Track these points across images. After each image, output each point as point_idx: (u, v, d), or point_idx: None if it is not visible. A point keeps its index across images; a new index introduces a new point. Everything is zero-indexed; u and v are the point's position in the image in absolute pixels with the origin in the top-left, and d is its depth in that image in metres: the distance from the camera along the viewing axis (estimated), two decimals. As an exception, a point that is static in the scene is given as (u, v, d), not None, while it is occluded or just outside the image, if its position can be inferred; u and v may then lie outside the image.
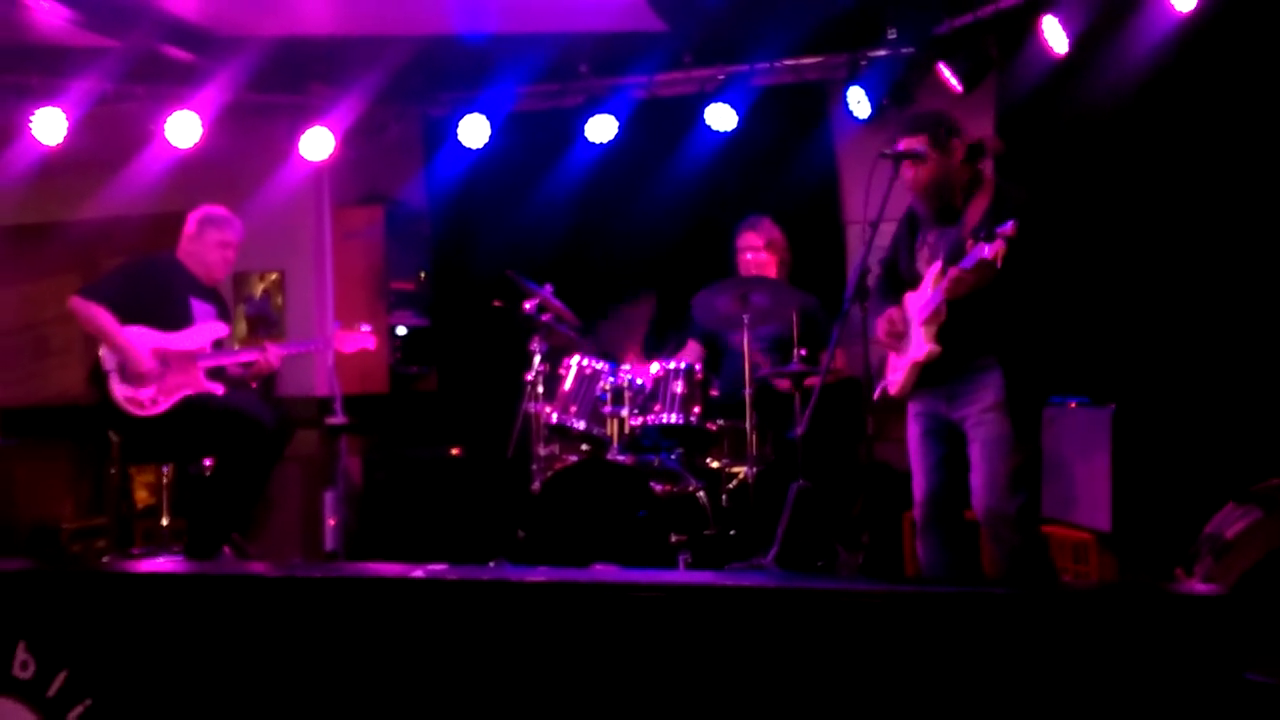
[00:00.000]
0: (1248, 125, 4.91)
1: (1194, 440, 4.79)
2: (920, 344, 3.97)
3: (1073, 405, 4.98)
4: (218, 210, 5.47)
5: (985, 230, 3.64)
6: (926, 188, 4.01)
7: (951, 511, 4.07)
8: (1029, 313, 3.91)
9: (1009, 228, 3.54)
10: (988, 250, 3.56)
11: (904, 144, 4.01)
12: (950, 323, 3.89)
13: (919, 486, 4.10)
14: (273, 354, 5.35)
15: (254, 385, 5.47)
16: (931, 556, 4.08)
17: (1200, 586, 3.18)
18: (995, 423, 3.86)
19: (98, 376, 5.10)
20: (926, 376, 4.03)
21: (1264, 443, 4.54)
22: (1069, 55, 5.29)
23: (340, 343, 5.55)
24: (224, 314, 5.51)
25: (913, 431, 4.15)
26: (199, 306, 5.33)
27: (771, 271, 5.66)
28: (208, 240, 5.37)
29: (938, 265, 3.94)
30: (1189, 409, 4.89)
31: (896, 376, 4.13)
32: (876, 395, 4.29)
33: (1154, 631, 2.30)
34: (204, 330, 5.29)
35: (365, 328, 5.63)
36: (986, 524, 3.90)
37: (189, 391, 5.13)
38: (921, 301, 3.99)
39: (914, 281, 4.11)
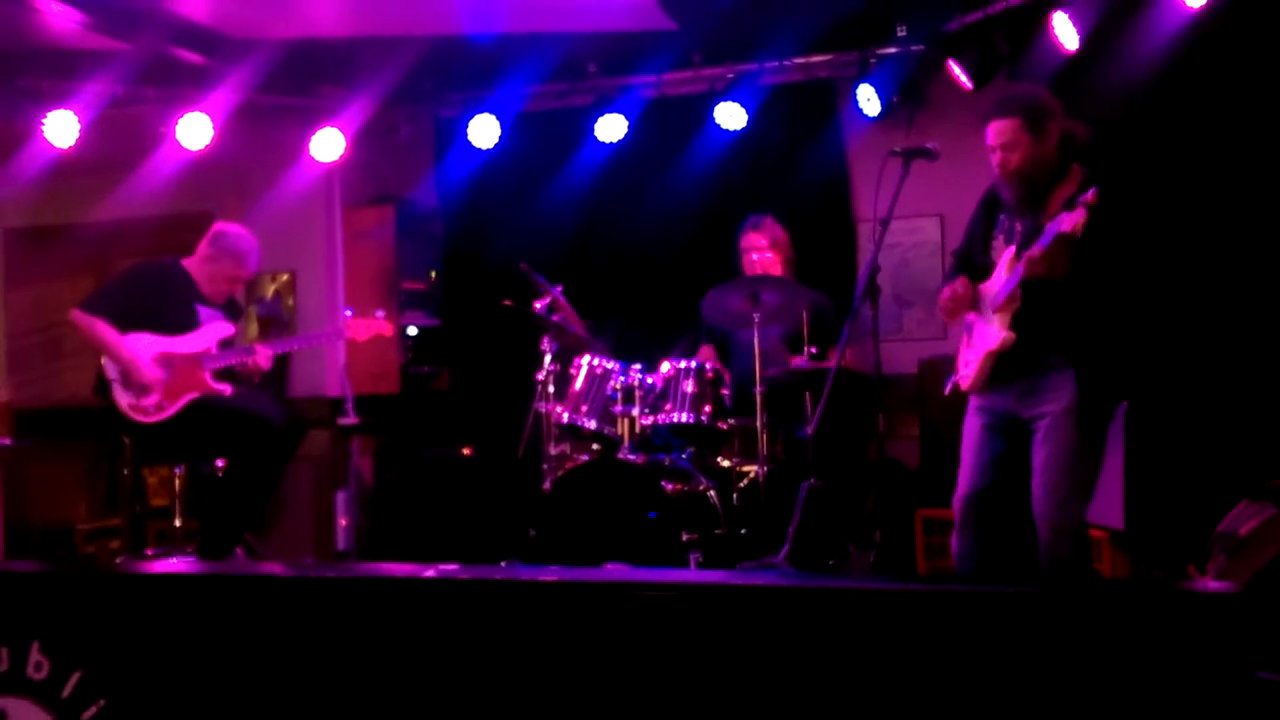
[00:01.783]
0: (1260, 122, 4.89)
1: (1207, 437, 4.77)
2: (995, 332, 3.83)
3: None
4: (240, 237, 5.43)
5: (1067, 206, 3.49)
6: (1016, 173, 3.82)
7: (995, 510, 3.96)
8: (1104, 310, 3.78)
9: (1091, 195, 3.40)
10: (1066, 221, 3.42)
11: (995, 126, 3.83)
12: (1025, 312, 3.77)
13: (966, 481, 3.97)
14: (261, 355, 5.26)
15: (255, 382, 5.42)
16: (966, 551, 3.99)
17: (1213, 584, 3.17)
18: (1067, 430, 3.74)
19: (102, 386, 5.12)
20: (999, 371, 3.89)
21: (1278, 440, 4.53)
22: (1079, 52, 5.27)
23: (354, 331, 5.48)
24: (232, 315, 5.50)
25: (972, 424, 4.01)
26: (204, 309, 5.33)
27: (777, 270, 5.66)
28: (220, 270, 5.37)
29: (1012, 251, 3.82)
30: (1202, 406, 4.87)
31: (969, 370, 3.99)
32: (948, 389, 4.14)
33: (1166, 629, 2.29)
34: (209, 331, 5.29)
35: (379, 314, 5.58)
36: (1044, 533, 3.80)
37: (195, 394, 5.13)
38: (995, 289, 3.87)
39: (987, 271, 3.97)
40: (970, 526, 3.97)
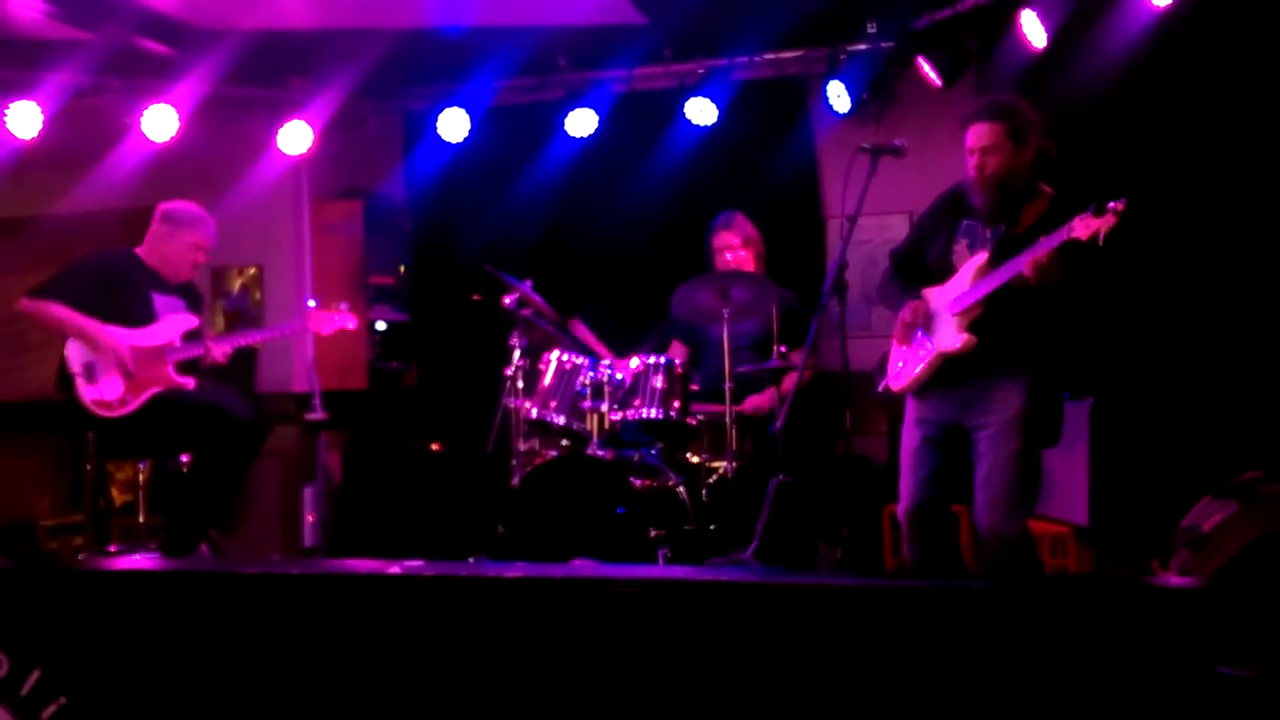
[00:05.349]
0: (1224, 119, 4.93)
1: (1171, 434, 4.81)
2: (954, 335, 3.83)
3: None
4: (191, 208, 5.32)
5: (1063, 219, 3.48)
6: (993, 178, 3.81)
7: (939, 517, 4.03)
8: (1065, 324, 3.81)
9: (1121, 204, 3.38)
10: (1082, 228, 3.41)
11: (978, 129, 3.81)
12: (986, 318, 3.78)
13: (908, 494, 4.02)
14: (215, 350, 5.16)
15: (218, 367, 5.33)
16: (918, 560, 4.04)
17: (1176, 580, 3.20)
18: (1012, 440, 3.77)
19: (65, 381, 4.98)
20: (942, 376, 3.91)
21: (1241, 436, 4.57)
22: (1047, 49, 5.30)
23: (317, 323, 5.40)
24: (194, 305, 5.38)
25: (912, 436, 4.03)
26: (161, 301, 5.20)
27: (750, 268, 5.66)
28: (181, 241, 5.25)
29: (981, 258, 3.82)
30: (1167, 403, 4.92)
31: (910, 368, 4.00)
32: (880, 389, 4.22)
33: (1129, 624, 2.31)
34: (170, 324, 5.17)
35: (343, 306, 5.52)
36: (986, 540, 3.84)
37: (159, 389, 5.05)
38: (957, 293, 3.87)
39: (942, 273, 3.97)
40: (918, 537, 4.03)
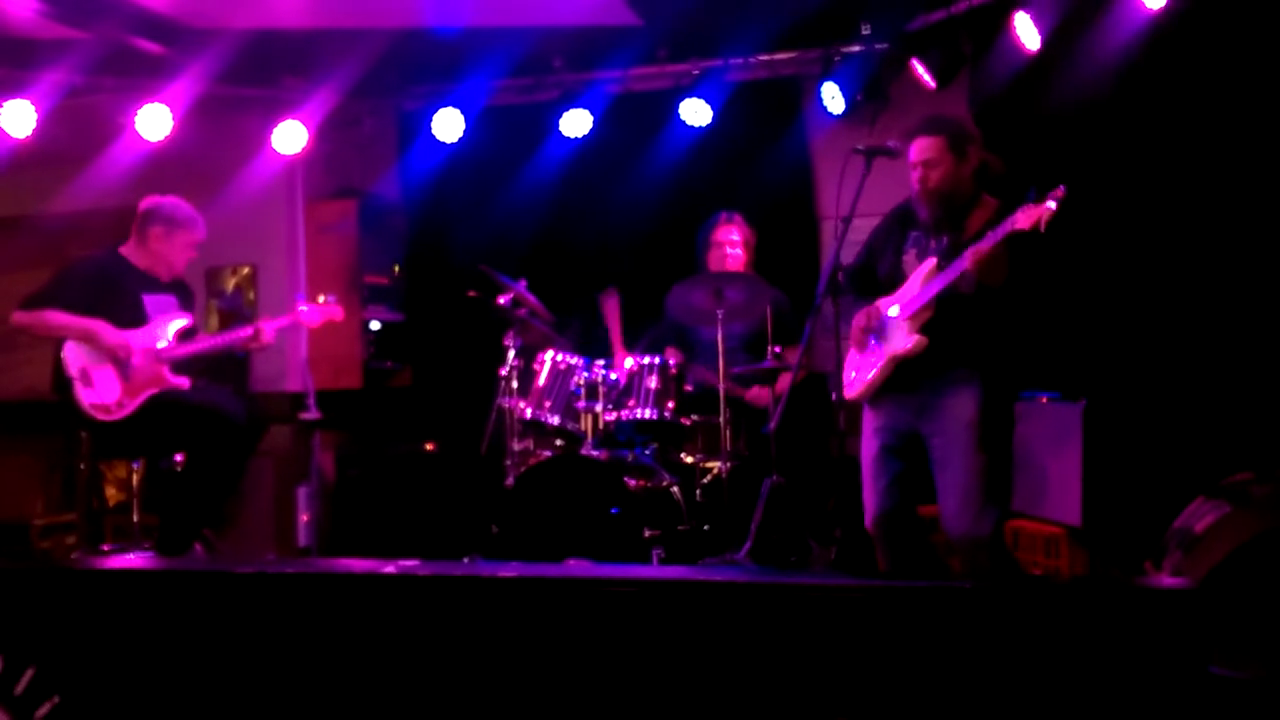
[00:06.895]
0: (1219, 120, 4.94)
1: (1164, 435, 4.82)
2: (905, 336, 3.89)
3: (1044, 400, 5.01)
4: (183, 206, 5.30)
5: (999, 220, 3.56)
6: (935, 191, 3.91)
7: (906, 523, 4.05)
8: (1012, 325, 3.87)
9: (1061, 191, 3.44)
10: (1024, 218, 3.47)
11: (919, 144, 3.92)
12: (936, 321, 3.84)
13: (872, 504, 4.05)
14: (266, 332, 5.22)
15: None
16: (891, 566, 4.06)
17: (1169, 580, 3.21)
18: (969, 444, 3.81)
19: (61, 384, 4.96)
20: (895, 382, 3.96)
21: (1233, 437, 4.58)
22: (1041, 52, 5.31)
23: (306, 318, 5.43)
24: (186, 303, 5.37)
25: (870, 446, 4.08)
26: (152, 301, 5.18)
27: (742, 268, 5.68)
28: (180, 240, 5.22)
29: (930, 263, 3.89)
30: (1160, 404, 4.93)
31: (864, 375, 4.06)
32: (834, 399, 4.25)
33: (1122, 625, 2.32)
34: (163, 323, 5.17)
35: (331, 298, 5.52)
36: (959, 547, 3.87)
37: (156, 389, 5.05)
38: (907, 299, 3.94)
39: (893, 283, 4.05)
40: (887, 545, 4.06)
